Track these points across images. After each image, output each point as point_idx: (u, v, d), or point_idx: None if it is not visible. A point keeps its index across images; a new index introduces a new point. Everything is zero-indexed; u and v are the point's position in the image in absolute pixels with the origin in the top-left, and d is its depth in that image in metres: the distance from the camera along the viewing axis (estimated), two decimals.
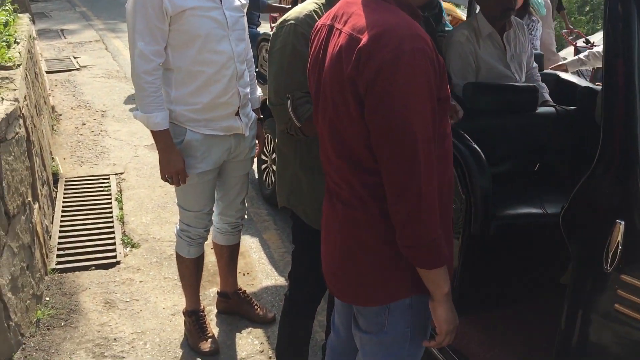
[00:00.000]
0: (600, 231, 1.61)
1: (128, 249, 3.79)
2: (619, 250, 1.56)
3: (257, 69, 3.94)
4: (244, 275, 3.53)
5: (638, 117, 1.54)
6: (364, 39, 1.28)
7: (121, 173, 4.97)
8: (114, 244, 3.80)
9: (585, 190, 1.69)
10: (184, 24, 2.35)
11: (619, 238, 1.56)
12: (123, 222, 4.13)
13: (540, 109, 2.71)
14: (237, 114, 2.58)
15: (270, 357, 2.81)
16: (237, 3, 2.54)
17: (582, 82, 3.28)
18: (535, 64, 3.27)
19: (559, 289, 2.30)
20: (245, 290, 3.18)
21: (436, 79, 1.30)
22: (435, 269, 1.38)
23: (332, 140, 1.46)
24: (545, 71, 3.61)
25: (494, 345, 2.20)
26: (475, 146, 2.22)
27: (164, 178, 2.56)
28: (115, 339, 2.91)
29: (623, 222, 1.56)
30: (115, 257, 3.65)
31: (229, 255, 3.03)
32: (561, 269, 2.36)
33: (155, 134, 2.46)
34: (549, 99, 3.13)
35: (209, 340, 2.85)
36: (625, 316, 1.57)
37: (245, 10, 2.64)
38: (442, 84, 1.34)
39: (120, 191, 4.63)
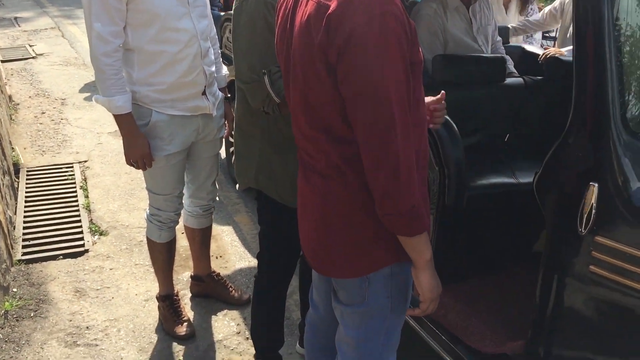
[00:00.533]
0: (574, 195, 1.63)
1: (96, 237, 3.70)
2: (593, 212, 1.58)
3: (221, 50, 3.87)
4: (216, 258, 3.49)
5: (609, 81, 1.55)
6: (333, 5, 1.25)
7: (85, 161, 4.85)
8: (81, 232, 3.71)
9: (558, 155, 1.70)
10: (142, 3, 2.27)
11: (593, 200, 1.58)
12: (89, 211, 4.03)
13: (509, 80, 2.72)
14: (204, 93, 2.52)
15: (247, 338, 2.79)
16: None
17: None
18: (499, 37, 3.29)
19: (533, 256, 2.34)
20: (219, 273, 3.15)
21: (408, 42, 1.28)
22: (417, 236, 1.37)
23: (305, 112, 1.43)
24: (510, 44, 3.64)
25: (472, 315, 2.22)
26: (447, 117, 2.21)
27: (129, 163, 2.49)
28: (87, 327, 2.85)
29: (597, 184, 1.58)
30: (83, 245, 3.57)
31: (202, 238, 2.99)
32: (535, 236, 2.39)
33: (117, 118, 2.39)
34: (515, 70, 3.15)
35: (185, 324, 2.81)
36: (601, 277, 1.60)
37: None
38: (414, 48, 1.32)
39: (85, 179, 4.52)
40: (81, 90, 6.75)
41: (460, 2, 3.02)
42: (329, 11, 1.25)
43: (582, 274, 1.64)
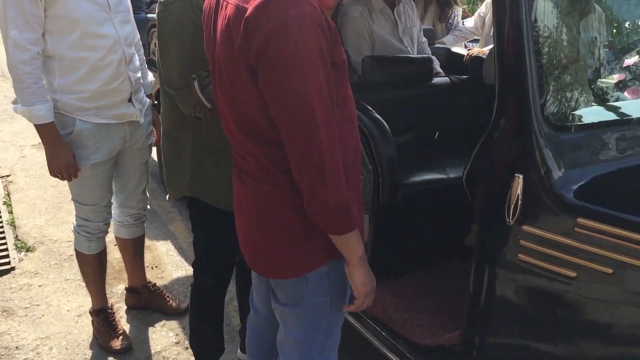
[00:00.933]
0: (500, 187, 1.69)
1: (23, 253, 3.55)
2: (519, 203, 1.65)
3: (149, 57, 3.79)
4: (152, 269, 3.41)
5: (529, 79, 1.62)
6: (250, 8, 1.26)
7: (8, 175, 4.65)
8: (7, 249, 3.55)
9: (484, 149, 1.76)
10: (60, 8, 2.20)
11: (519, 191, 1.65)
12: (14, 226, 3.86)
13: (436, 80, 2.80)
14: (130, 100, 2.47)
15: (186, 348, 2.74)
16: None
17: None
18: (424, 39, 3.38)
19: (466, 249, 2.41)
20: (155, 283, 3.08)
21: (327, 42, 1.29)
22: (347, 234, 1.39)
23: (233, 115, 1.44)
24: (435, 45, 3.74)
25: (410, 309, 2.27)
26: (378, 116, 2.26)
27: (53, 174, 2.40)
28: (17, 347, 2.72)
29: (521, 176, 1.64)
30: (9, 263, 3.41)
31: (134, 249, 2.91)
32: (467, 229, 2.46)
33: (39, 128, 2.30)
34: (441, 70, 3.24)
35: (120, 337, 2.73)
36: (529, 265, 1.66)
37: None
38: (335, 48, 1.33)
39: (8, 194, 4.32)
40: (0, 102, 6.46)
41: (385, 4, 3.09)
42: (247, 14, 1.26)
43: (512, 263, 1.71)
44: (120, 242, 2.90)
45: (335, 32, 1.34)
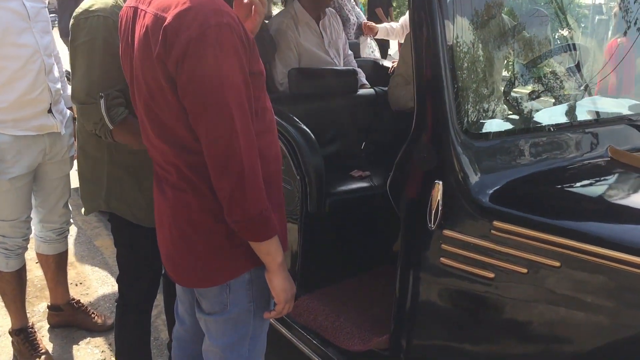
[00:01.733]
0: (422, 193, 1.76)
1: None
2: (440, 208, 1.72)
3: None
4: (76, 285, 3.30)
5: (445, 88, 1.69)
6: (169, 17, 1.27)
7: None
8: None
9: (406, 158, 1.82)
10: None
11: (439, 197, 1.72)
12: None
13: (361, 91, 2.87)
14: (50, 111, 2.40)
15: None
16: None
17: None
18: (350, 51, 3.46)
19: (394, 256, 2.48)
20: (78, 300, 2.98)
21: (246, 52, 1.32)
22: (267, 241, 1.41)
23: (152, 124, 1.43)
24: (361, 58, 3.83)
25: (340, 316, 2.30)
26: (305, 127, 2.29)
27: None
28: None
29: (441, 182, 1.71)
30: None
31: (57, 265, 2.82)
32: (394, 236, 2.53)
33: None
34: (366, 82, 3.32)
35: (43, 357, 2.62)
36: (451, 268, 1.73)
37: (47, 1, 2.46)
38: (253, 58, 1.36)
39: None
40: None
41: (311, 17, 3.14)
42: (165, 23, 1.27)
43: (435, 267, 1.77)
44: (42, 259, 2.79)
45: (253, 43, 1.37)
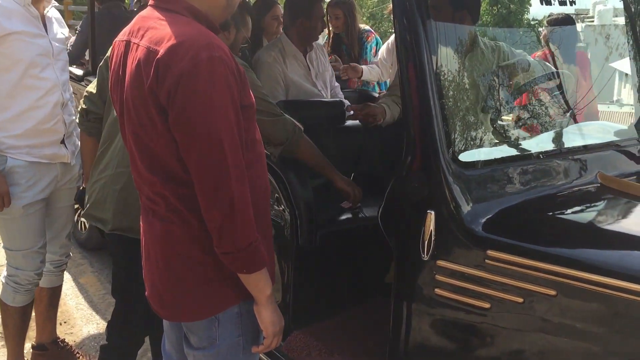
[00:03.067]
0: (414, 223, 1.74)
1: None
2: (433, 239, 1.70)
3: None
4: (60, 324, 3.21)
5: (434, 118, 1.70)
6: (162, 50, 1.29)
7: None
8: None
9: (397, 188, 1.81)
10: (8, 47, 2.27)
11: (432, 227, 1.71)
12: None
13: (349, 122, 2.87)
14: (63, 142, 2.50)
15: None
16: (61, 36, 2.54)
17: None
18: (337, 83, 3.47)
19: (386, 288, 2.45)
20: (64, 339, 2.91)
21: (237, 85, 1.34)
22: (256, 273, 1.40)
23: (142, 155, 1.44)
24: (347, 90, 3.85)
25: (334, 351, 2.26)
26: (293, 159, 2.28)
27: None
28: None
29: (433, 212, 1.70)
30: None
31: (50, 299, 2.77)
32: (386, 268, 2.50)
33: None
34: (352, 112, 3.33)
35: None
36: (445, 299, 1.71)
37: (68, 43, 2.67)
38: (244, 91, 1.38)
39: None
40: None
41: (297, 50, 3.16)
42: (158, 56, 1.29)
43: (429, 298, 1.75)
44: (36, 291, 2.74)
45: (244, 76, 1.39)
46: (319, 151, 2.44)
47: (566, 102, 2.08)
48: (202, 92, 1.26)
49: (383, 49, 4.45)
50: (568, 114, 2.07)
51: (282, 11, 4.65)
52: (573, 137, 2.01)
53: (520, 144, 1.93)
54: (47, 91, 2.38)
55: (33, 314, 2.71)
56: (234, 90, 1.32)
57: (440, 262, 1.70)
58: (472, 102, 1.83)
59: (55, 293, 2.79)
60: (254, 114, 1.46)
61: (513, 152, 1.91)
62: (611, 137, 2.19)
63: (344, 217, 2.49)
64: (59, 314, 3.21)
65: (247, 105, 1.40)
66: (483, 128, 1.86)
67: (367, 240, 2.46)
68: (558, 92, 2.07)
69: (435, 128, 1.69)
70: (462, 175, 1.71)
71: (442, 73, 1.76)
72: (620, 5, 2.19)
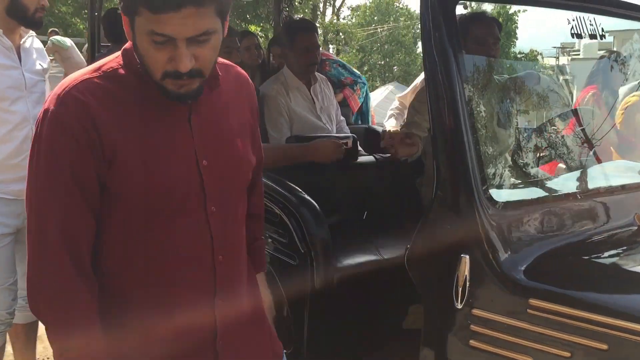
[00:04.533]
0: (446, 268, 1.62)
1: None
2: (467, 285, 1.58)
3: None
4: None
5: (467, 155, 1.59)
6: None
7: None
8: None
9: (427, 229, 1.70)
10: None
11: (466, 272, 1.58)
12: None
13: (361, 159, 2.78)
14: None
15: None
16: (39, 67, 2.43)
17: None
18: (342, 117, 3.39)
19: (404, 333, 2.31)
20: None
21: (80, 155, 1.14)
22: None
23: None
24: (353, 125, 3.77)
25: None
26: (309, 198, 2.17)
27: None
28: None
29: (468, 256, 1.58)
30: None
31: (27, 335, 2.62)
32: (404, 312, 2.37)
33: None
34: (361, 148, 3.24)
35: None
36: (481, 351, 1.58)
37: (47, 75, 2.51)
38: (108, 169, 1.16)
39: None
40: None
41: (301, 83, 3.09)
42: None
43: (463, 350, 1.62)
44: (11, 329, 2.57)
45: (112, 150, 1.15)
46: (282, 146, 2.52)
47: (599, 139, 1.99)
48: (33, 153, 1.19)
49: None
50: (604, 152, 1.98)
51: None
52: (610, 177, 1.91)
53: (558, 183, 1.82)
54: (15, 125, 2.28)
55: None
56: (62, 159, 1.14)
57: (476, 311, 1.57)
58: (508, 138, 1.73)
59: (32, 328, 2.64)
60: (149, 205, 1.20)
61: (550, 191, 1.80)
62: None
63: (360, 258, 2.36)
64: (41, 349, 3.05)
65: (121, 192, 1.19)
66: (519, 166, 1.76)
67: (383, 283, 2.33)
68: (590, 129, 1.98)
69: (469, 165, 1.59)
70: (499, 216, 1.59)
71: (476, 107, 1.66)
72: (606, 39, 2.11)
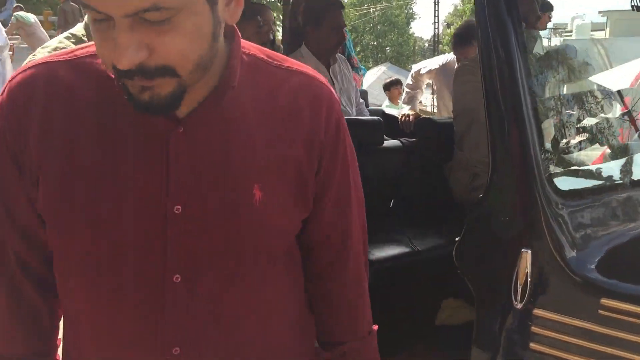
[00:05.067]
0: (504, 264, 1.47)
1: None
2: (529, 282, 1.43)
3: None
4: None
5: (529, 138, 1.44)
6: None
7: None
8: None
9: (480, 220, 1.54)
10: None
11: (527, 269, 1.43)
12: None
13: (387, 143, 2.61)
14: None
15: None
16: None
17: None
18: (362, 100, 3.23)
19: (436, 329, 2.17)
20: None
21: (6, 167, 0.85)
22: None
23: None
24: (370, 107, 3.60)
25: None
26: None
27: None
28: None
29: (529, 251, 1.43)
30: None
31: None
32: (437, 306, 2.22)
33: None
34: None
35: None
36: (543, 355, 1.43)
37: (5, 52, 2.27)
38: (24, 147, 0.84)
39: None
40: None
41: (320, 63, 2.92)
42: None
43: (521, 353, 1.47)
44: None
45: (37, 168, 0.84)
46: None
47: None
48: None
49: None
50: None
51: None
52: None
53: (627, 170, 1.66)
54: None
55: None
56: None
57: (538, 311, 1.42)
58: (573, 121, 1.57)
59: None
60: (107, 284, 0.87)
61: (619, 178, 1.64)
62: None
63: (395, 251, 2.19)
64: None
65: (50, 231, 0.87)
66: (587, 151, 1.60)
67: (416, 276, 2.18)
68: None
69: (530, 148, 1.43)
70: (565, 207, 1.44)
71: (537, 81, 1.50)
72: (599, 19, 1.96)
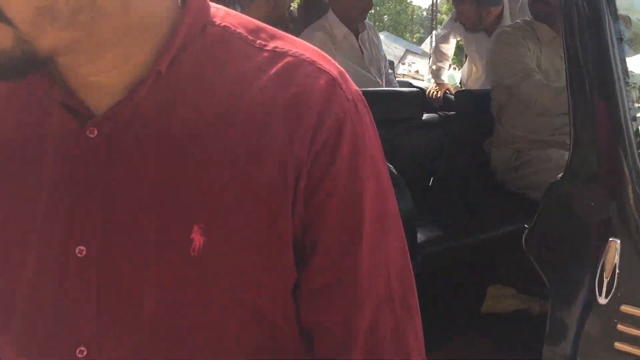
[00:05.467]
0: (586, 253, 1.32)
1: None
2: (616, 276, 1.27)
3: None
4: None
5: (620, 111, 1.28)
6: None
7: None
8: None
9: (559, 204, 1.38)
10: None
11: (615, 260, 1.28)
12: None
13: (426, 116, 2.43)
14: None
15: None
16: None
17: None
18: (390, 70, 3.05)
19: (481, 317, 2.03)
20: None
21: None
22: None
23: None
24: (398, 79, 3.42)
25: None
26: (389, 164, 1.83)
27: None
28: None
29: (618, 241, 1.27)
30: None
31: None
32: (482, 294, 2.07)
33: None
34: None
35: None
36: (630, 356, 1.29)
37: None
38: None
39: None
40: None
41: (348, 30, 2.73)
42: None
43: (604, 353, 1.33)
44: None
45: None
46: None
47: None
48: None
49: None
50: None
51: None
52: None
53: None
54: None
55: None
56: None
57: (626, 308, 1.27)
58: None
59: None
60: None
61: None
62: None
63: (443, 235, 2.01)
64: None
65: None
66: None
67: (464, 262, 2.02)
68: None
69: (622, 125, 1.26)
70: None
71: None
72: None
